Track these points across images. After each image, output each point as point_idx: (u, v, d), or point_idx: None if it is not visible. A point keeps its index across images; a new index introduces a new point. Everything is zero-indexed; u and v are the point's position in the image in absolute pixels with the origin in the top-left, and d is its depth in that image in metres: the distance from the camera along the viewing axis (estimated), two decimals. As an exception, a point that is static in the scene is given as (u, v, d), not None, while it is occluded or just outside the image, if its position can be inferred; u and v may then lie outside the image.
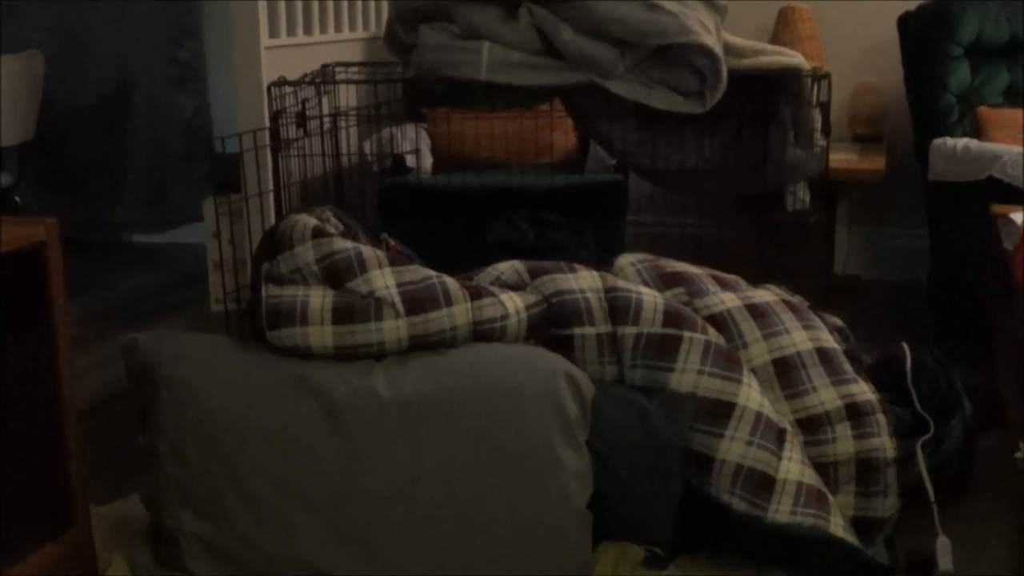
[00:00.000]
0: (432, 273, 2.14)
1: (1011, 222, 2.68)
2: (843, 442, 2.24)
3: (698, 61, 2.71)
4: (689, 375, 2.14)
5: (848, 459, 2.24)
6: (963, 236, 3.37)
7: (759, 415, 2.13)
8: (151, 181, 4.92)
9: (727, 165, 3.22)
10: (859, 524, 2.21)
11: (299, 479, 2.00)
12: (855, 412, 2.25)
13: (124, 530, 2.30)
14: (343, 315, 2.06)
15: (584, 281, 2.22)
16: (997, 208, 2.78)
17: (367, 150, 3.52)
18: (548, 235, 2.94)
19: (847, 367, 2.31)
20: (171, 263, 4.80)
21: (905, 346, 2.63)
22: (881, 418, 2.27)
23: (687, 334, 2.17)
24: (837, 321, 2.52)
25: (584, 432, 2.05)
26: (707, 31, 2.74)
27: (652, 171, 3.29)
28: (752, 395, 2.15)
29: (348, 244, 2.16)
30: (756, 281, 2.53)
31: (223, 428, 2.02)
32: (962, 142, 3.38)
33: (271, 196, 3.03)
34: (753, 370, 2.25)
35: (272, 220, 2.99)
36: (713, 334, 2.22)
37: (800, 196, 3.31)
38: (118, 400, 3.08)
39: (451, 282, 2.13)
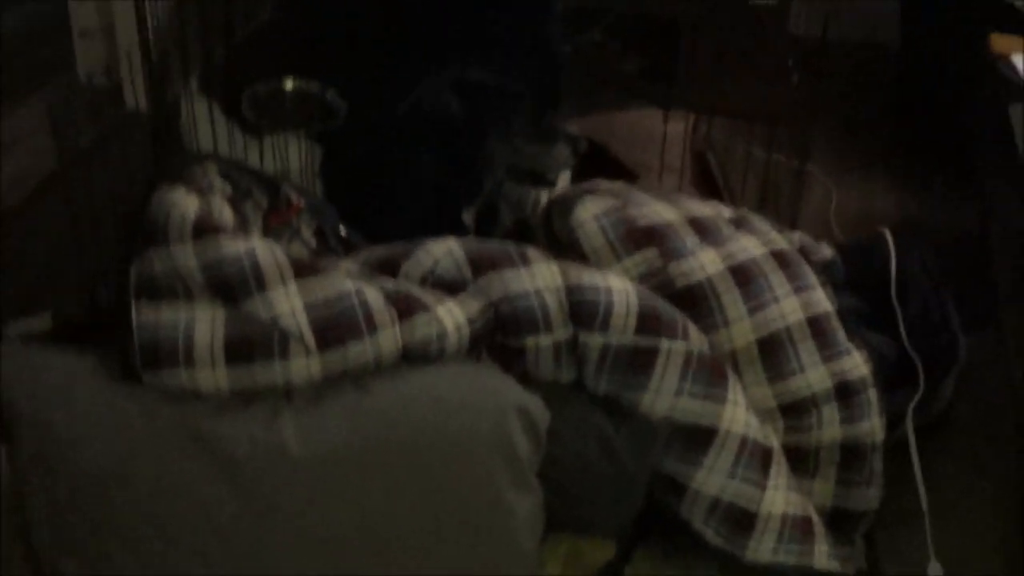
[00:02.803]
0: (350, 287, 1.67)
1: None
2: (829, 427, 1.94)
3: None
4: (664, 397, 1.77)
5: (832, 444, 1.95)
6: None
7: (744, 440, 1.80)
8: None
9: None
10: (838, 517, 1.95)
11: (198, 539, 1.64)
12: (845, 392, 1.94)
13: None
14: (239, 351, 1.61)
15: (540, 278, 1.77)
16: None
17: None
18: (476, 106, 2.37)
19: (840, 335, 1.97)
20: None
21: (889, 238, 2.30)
22: (873, 394, 1.96)
23: (664, 345, 1.77)
24: (827, 253, 2.15)
25: (536, 466, 1.71)
26: None
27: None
28: (737, 414, 1.81)
29: (240, 247, 1.66)
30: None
31: (102, 480, 1.62)
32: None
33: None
34: (733, 351, 1.90)
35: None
36: (695, 337, 1.83)
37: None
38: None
39: (374, 298, 1.66)
